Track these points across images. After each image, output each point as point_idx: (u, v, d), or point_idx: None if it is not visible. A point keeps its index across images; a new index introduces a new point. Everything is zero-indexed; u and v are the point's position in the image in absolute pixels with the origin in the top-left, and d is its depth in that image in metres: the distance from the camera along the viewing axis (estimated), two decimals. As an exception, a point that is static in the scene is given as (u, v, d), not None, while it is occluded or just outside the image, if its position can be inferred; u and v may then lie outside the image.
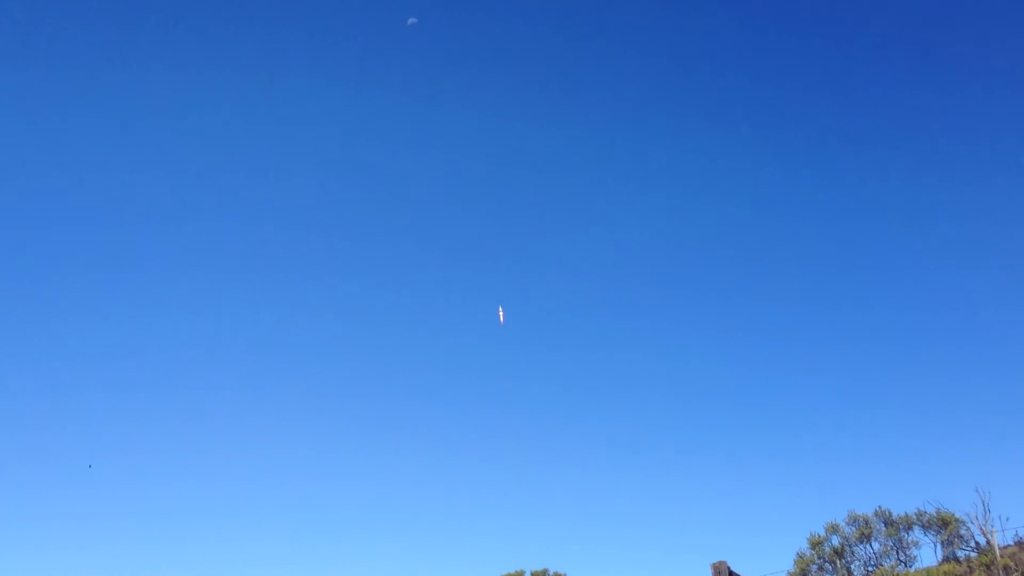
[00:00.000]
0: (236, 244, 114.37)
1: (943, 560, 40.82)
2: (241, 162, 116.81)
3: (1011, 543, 39.69)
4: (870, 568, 42.57)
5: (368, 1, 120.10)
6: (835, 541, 43.76)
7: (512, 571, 48.63)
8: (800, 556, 44.06)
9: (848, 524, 43.78)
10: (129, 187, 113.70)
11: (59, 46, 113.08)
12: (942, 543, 41.55)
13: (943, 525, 41.60)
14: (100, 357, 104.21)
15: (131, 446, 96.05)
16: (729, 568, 44.04)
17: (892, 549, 42.51)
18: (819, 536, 44.07)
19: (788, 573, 43.91)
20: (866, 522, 43.32)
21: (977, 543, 40.40)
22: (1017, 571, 37.21)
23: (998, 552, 38.61)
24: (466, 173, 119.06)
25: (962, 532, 40.98)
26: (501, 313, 56.46)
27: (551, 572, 48.61)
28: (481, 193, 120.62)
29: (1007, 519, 39.54)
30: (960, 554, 40.83)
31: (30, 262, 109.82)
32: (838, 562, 43.35)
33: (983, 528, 39.94)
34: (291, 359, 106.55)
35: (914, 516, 42.54)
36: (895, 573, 40.59)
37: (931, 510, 42.28)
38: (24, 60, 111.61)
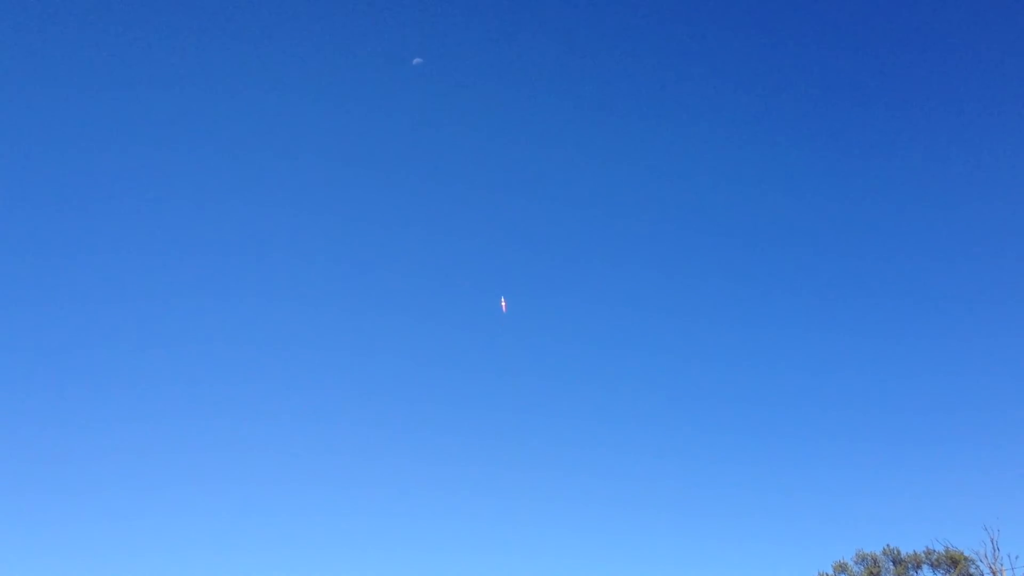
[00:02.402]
0: (229, 233, 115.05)
1: (953, 598, 40.58)
2: (240, 146, 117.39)
3: (1021, 581, 39.47)
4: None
5: None
6: (844, 580, 43.53)
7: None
8: (809, 595, 43.83)
9: (856, 563, 43.62)
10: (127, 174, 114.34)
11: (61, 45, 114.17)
12: (952, 581, 41.31)
13: (952, 563, 41.44)
14: (92, 352, 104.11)
15: (125, 445, 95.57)
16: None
17: (901, 588, 42.27)
18: (827, 575, 43.83)
19: (797, 613, 43.71)
20: (875, 561, 43.15)
21: (987, 581, 40.18)
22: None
23: (1008, 590, 38.39)
24: (467, 165, 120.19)
25: (971, 570, 40.86)
26: (504, 303, 57.50)
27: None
28: (484, 183, 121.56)
29: (1016, 557, 39.59)
30: (970, 592, 40.59)
31: (22, 252, 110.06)
32: (848, 601, 43.07)
33: (992, 566, 39.80)
34: (287, 352, 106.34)
35: (923, 554, 42.43)
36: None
37: (940, 548, 42.25)
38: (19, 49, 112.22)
